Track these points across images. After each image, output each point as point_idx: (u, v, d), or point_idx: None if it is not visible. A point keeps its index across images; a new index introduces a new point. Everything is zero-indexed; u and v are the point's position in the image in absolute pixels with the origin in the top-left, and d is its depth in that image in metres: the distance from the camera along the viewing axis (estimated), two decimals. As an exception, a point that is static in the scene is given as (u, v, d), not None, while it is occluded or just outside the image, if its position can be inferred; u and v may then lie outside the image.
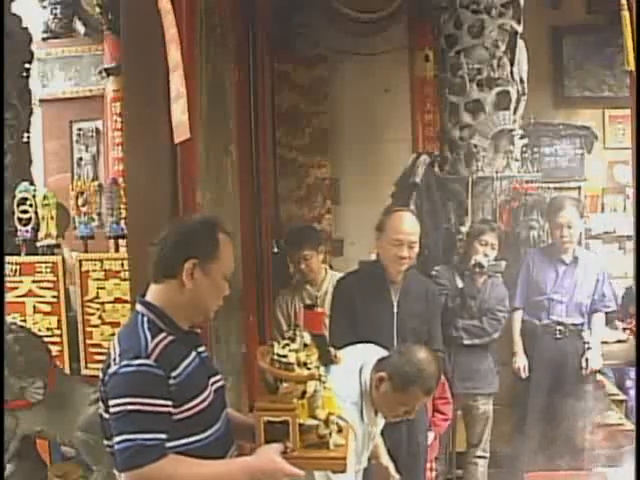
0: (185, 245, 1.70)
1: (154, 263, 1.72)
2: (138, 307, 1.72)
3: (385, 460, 2.57)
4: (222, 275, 1.74)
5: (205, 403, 1.68)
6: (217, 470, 1.66)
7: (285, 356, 1.72)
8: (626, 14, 2.50)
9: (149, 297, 1.73)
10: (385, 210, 2.98)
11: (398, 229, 2.85)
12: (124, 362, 1.58)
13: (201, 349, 1.79)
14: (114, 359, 1.62)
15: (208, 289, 1.71)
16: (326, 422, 1.77)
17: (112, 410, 1.58)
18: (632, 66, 2.47)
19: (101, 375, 1.67)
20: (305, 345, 1.78)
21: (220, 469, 1.67)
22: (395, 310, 2.87)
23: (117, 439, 1.56)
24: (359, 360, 2.35)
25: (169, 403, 1.60)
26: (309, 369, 1.73)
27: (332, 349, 1.90)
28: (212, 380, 1.78)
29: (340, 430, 1.80)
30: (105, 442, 1.69)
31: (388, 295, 2.89)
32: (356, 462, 2.27)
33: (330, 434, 1.75)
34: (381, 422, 2.48)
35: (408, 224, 2.86)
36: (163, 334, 1.65)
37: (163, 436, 1.57)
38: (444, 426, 3.39)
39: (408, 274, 2.96)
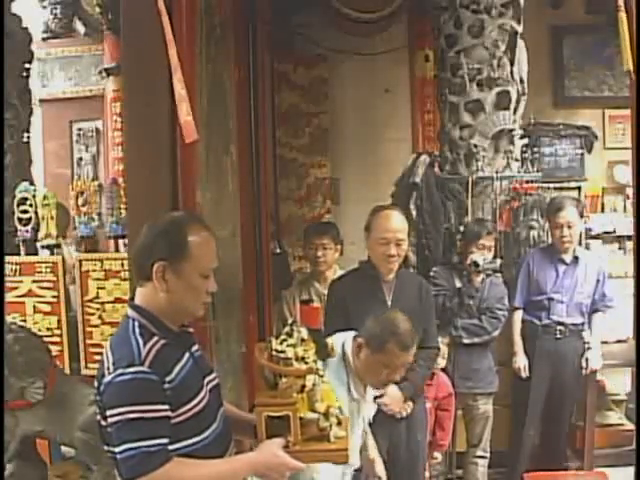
0: (152, 248, 1.68)
1: (132, 267, 1.72)
2: (128, 312, 1.71)
3: (373, 454, 2.59)
4: (198, 274, 1.70)
5: (202, 404, 1.68)
6: (221, 469, 1.67)
7: (283, 351, 1.73)
8: (623, 15, 2.52)
9: (137, 300, 1.72)
10: (372, 210, 2.98)
11: (384, 227, 2.85)
12: (118, 371, 1.57)
13: (194, 348, 1.78)
14: (108, 368, 1.60)
15: (183, 290, 1.68)
16: (326, 415, 1.79)
17: (111, 420, 1.57)
18: (630, 66, 2.48)
19: (96, 384, 1.66)
20: (302, 340, 1.79)
21: (224, 467, 1.68)
22: (389, 309, 2.86)
23: (120, 448, 1.55)
24: (341, 339, 2.43)
25: (167, 407, 1.59)
26: (307, 363, 1.75)
27: (329, 342, 1.92)
28: (207, 379, 1.77)
29: (340, 422, 1.81)
30: (105, 447, 1.68)
31: (381, 295, 2.88)
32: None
33: (330, 427, 1.77)
34: (372, 405, 2.51)
35: (394, 222, 2.86)
36: (155, 338, 1.64)
37: (165, 441, 1.57)
38: (447, 444, 3.49)
39: (401, 273, 2.95)
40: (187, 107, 2.08)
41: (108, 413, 1.58)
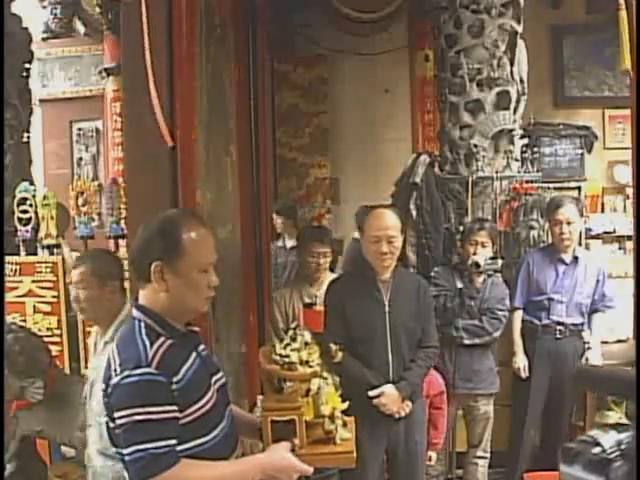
0: (147, 249, 1.67)
1: (131, 269, 1.72)
2: (134, 312, 1.70)
3: None
4: (196, 270, 1.68)
5: (209, 404, 1.67)
6: (230, 470, 1.66)
7: (287, 356, 1.73)
8: (623, 14, 2.52)
9: (140, 302, 1.71)
10: (366, 210, 2.99)
11: (375, 226, 2.85)
12: (126, 372, 1.56)
13: (201, 348, 1.78)
14: (115, 370, 1.59)
15: (183, 287, 1.67)
16: (331, 417, 1.79)
17: (119, 422, 1.56)
18: (629, 65, 2.48)
19: (103, 386, 1.65)
20: (306, 344, 1.79)
21: (233, 468, 1.67)
22: (387, 309, 2.85)
23: (128, 450, 1.54)
24: None
25: (175, 408, 1.58)
26: (311, 367, 1.75)
27: (332, 345, 1.91)
28: (214, 379, 1.76)
29: (345, 425, 1.82)
30: (113, 449, 1.67)
31: (379, 294, 2.87)
32: None
33: (336, 429, 1.78)
34: None
35: (385, 220, 2.85)
36: (162, 339, 1.63)
37: (173, 442, 1.56)
38: (441, 443, 3.44)
39: (398, 272, 2.94)
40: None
41: (116, 415, 1.57)
